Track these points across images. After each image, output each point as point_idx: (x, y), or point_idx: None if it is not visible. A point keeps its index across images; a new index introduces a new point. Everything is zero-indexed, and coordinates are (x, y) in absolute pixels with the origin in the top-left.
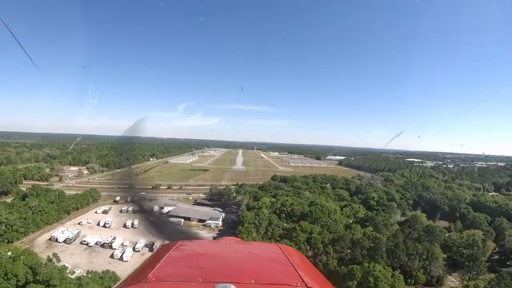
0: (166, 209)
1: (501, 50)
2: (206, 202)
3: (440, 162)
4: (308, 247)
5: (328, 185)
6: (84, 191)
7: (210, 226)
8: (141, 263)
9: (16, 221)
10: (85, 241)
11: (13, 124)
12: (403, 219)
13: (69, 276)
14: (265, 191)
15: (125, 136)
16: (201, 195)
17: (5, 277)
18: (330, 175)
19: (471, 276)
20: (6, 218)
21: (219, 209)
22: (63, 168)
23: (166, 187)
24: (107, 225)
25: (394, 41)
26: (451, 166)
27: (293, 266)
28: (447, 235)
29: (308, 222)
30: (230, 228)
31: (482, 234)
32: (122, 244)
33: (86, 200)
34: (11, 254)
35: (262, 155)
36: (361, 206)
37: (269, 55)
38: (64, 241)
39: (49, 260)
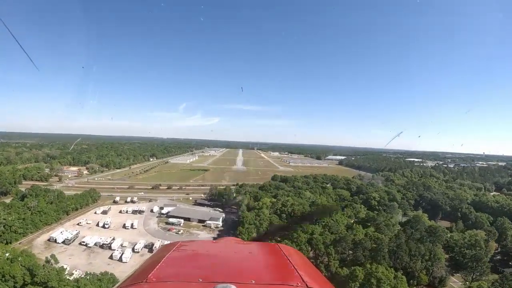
0: (166, 210)
1: (501, 50)
2: (206, 202)
3: (441, 162)
4: (310, 248)
5: (328, 185)
6: (84, 191)
7: (210, 227)
8: (141, 264)
9: (14, 221)
10: (84, 241)
11: (13, 124)
12: (404, 219)
13: (67, 277)
14: (265, 191)
15: None
16: (201, 195)
17: (3, 279)
18: (330, 175)
19: (474, 277)
20: (4, 219)
21: (219, 209)
22: (63, 168)
23: (166, 187)
24: (106, 226)
25: (394, 41)
26: (451, 166)
27: (293, 266)
28: (449, 235)
29: (308, 222)
30: (231, 229)
31: (485, 235)
32: (121, 245)
33: (86, 200)
34: (8, 255)
35: (262, 155)
36: (362, 206)
37: (269, 55)
38: (63, 242)
39: (47, 261)
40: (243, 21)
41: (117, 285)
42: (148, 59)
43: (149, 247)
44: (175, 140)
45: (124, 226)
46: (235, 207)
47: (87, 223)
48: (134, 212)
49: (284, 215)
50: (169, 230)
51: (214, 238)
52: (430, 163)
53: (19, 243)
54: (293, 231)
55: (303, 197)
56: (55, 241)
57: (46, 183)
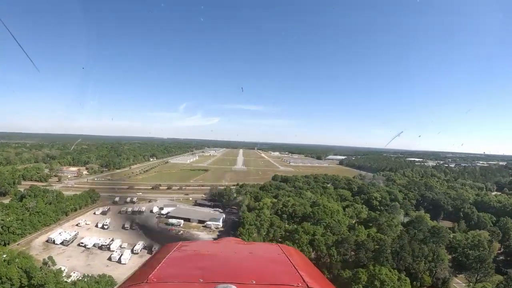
0: (165, 210)
1: (501, 50)
2: (207, 202)
3: (441, 162)
4: (311, 249)
5: (329, 185)
6: (83, 191)
7: (210, 227)
8: (142, 264)
9: (12, 222)
10: (82, 243)
11: (13, 124)
12: (406, 219)
13: (65, 280)
14: (266, 192)
15: None
16: (201, 195)
17: None
18: (331, 175)
19: (478, 278)
20: (2, 220)
21: (220, 209)
22: (63, 168)
23: (166, 187)
24: (105, 227)
25: (394, 41)
26: (452, 166)
27: (294, 266)
28: (451, 235)
29: (310, 223)
30: (231, 229)
31: (489, 235)
32: (120, 246)
33: (85, 201)
34: (5, 257)
35: (263, 155)
36: (364, 206)
37: (269, 55)
38: (62, 243)
39: (45, 263)
40: (243, 21)
41: (117, 285)
42: (148, 59)
43: (148, 248)
44: (175, 140)
45: (123, 227)
46: (235, 208)
47: (86, 224)
48: (134, 212)
49: (285, 215)
50: (169, 230)
51: (215, 239)
52: (430, 163)
53: (17, 244)
54: (295, 232)
55: (304, 197)
56: (54, 242)
57: (45, 184)
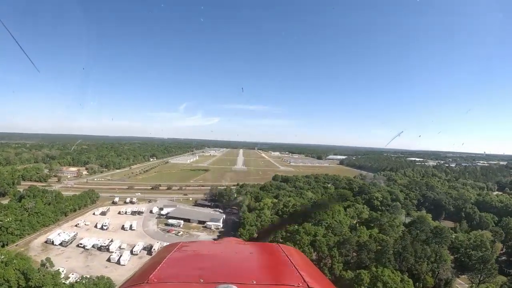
0: (165, 211)
1: (501, 50)
2: (207, 203)
3: (442, 161)
4: (312, 250)
5: (330, 185)
6: (82, 192)
7: (210, 228)
8: (142, 265)
9: (11, 223)
10: (81, 243)
11: (13, 125)
12: (408, 219)
13: (63, 281)
14: (266, 192)
15: None
16: (201, 196)
17: None
18: (332, 175)
19: (481, 278)
20: (1, 220)
21: (220, 210)
22: (62, 169)
23: (166, 187)
24: (104, 227)
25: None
26: (453, 165)
27: (294, 266)
28: (453, 236)
29: (311, 223)
30: (231, 230)
31: (491, 235)
32: (119, 247)
33: (84, 201)
34: (3, 258)
35: (263, 154)
36: (365, 206)
37: (269, 55)
38: (60, 244)
39: (43, 265)
40: (243, 21)
41: (118, 286)
42: (148, 59)
43: (148, 249)
44: (175, 140)
45: (122, 228)
46: (235, 208)
47: (85, 224)
48: (133, 213)
49: (286, 215)
50: (168, 231)
51: (215, 239)
52: (431, 163)
53: (16, 245)
54: (296, 232)
55: (304, 198)
56: (52, 243)
57: (44, 184)
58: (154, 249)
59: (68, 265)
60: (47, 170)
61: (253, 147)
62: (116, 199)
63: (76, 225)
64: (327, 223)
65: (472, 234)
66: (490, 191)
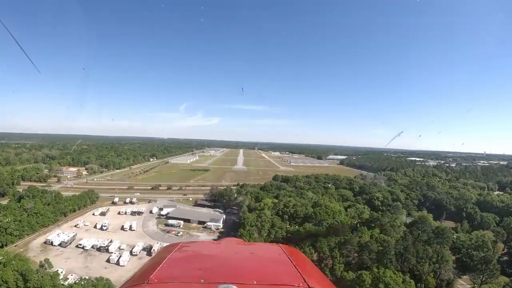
0: (165, 211)
1: (501, 50)
2: (207, 203)
3: (442, 161)
4: (313, 251)
5: (330, 185)
6: (82, 192)
7: (210, 228)
8: (142, 265)
9: (10, 223)
10: (81, 244)
11: (14, 125)
12: (409, 220)
13: (62, 283)
14: (267, 192)
15: None
16: (201, 196)
17: None
18: (332, 175)
19: (483, 279)
20: (0, 221)
21: (220, 210)
22: (62, 169)
23: (166, 187)
24: (104, 228)
25: (394, 41)
26: (453, 165)
27: (294, 266)
28: (455, 236)
29: (312, 224)
30: (231, 230)
31: (493, 235)
32: (119, 248)
33: (84, 201)
34: (1, 259)
35: (263, 154)
36: (366, 206)
37: (269, 55)
38: (60, 245)
39: (41, 266)
40: (243, 21)
41: (117, 287)
42: (148, 59)
43: (148, 249)
44: (175, 140)
45: (122, 228)
46: (236, 208)
47: (84, 225)
48: (133, 213)
49: (287, 216)
50: (168, 232)
51: (215, 240)
52: (431, 163)
53: (15, 246)
54: (297, 233)
55: (305, 198)
56: (52, 243)
57: (44, 184)
58: (153, 249)
59: (67, 266)
60: (47, 170)
61: (253, 147)
62: (116, 199)
63: (75, 226)
64: (327, 223)
65: (473, 234)
66: (491, 191)
